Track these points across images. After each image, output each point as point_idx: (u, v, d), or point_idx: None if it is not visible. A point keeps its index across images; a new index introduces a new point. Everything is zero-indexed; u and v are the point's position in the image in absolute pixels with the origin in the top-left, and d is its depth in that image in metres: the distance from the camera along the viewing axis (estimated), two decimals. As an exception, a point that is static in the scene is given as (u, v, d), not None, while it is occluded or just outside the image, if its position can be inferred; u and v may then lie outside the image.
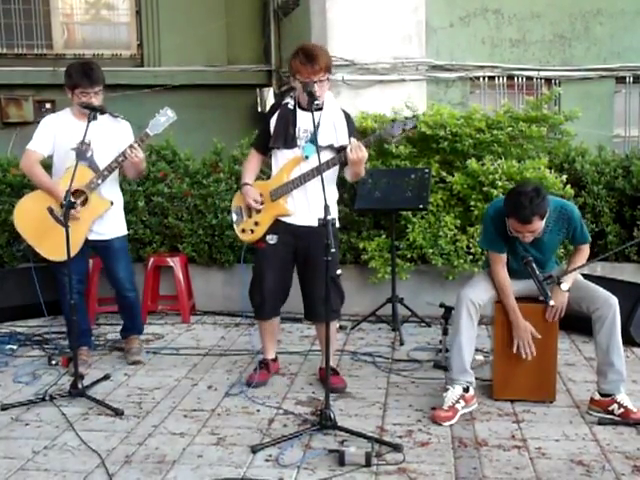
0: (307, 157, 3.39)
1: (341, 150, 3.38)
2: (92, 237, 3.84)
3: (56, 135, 3.75)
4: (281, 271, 3.54)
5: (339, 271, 3.49)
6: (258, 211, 3.50)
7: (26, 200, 3.88)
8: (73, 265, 3.76)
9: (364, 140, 3.38)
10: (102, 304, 4.95)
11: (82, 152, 3.72)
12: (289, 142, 3.41)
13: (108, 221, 3.86)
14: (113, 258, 3.94)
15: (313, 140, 3.31)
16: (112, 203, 3.82)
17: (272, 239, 3.48)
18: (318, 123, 3.32)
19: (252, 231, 3.53)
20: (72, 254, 3.66)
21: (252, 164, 3.60)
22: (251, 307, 3.68)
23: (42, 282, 4.79)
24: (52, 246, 3.51)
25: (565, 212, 3.25)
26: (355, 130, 3.55)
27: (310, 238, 3.40)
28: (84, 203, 3.73)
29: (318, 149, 3.15)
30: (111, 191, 3.87)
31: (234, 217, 3.62)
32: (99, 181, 3.72)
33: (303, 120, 3.41)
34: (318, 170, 3.27)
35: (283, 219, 3.47)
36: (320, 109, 3.36)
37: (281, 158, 3.47)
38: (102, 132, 3.78)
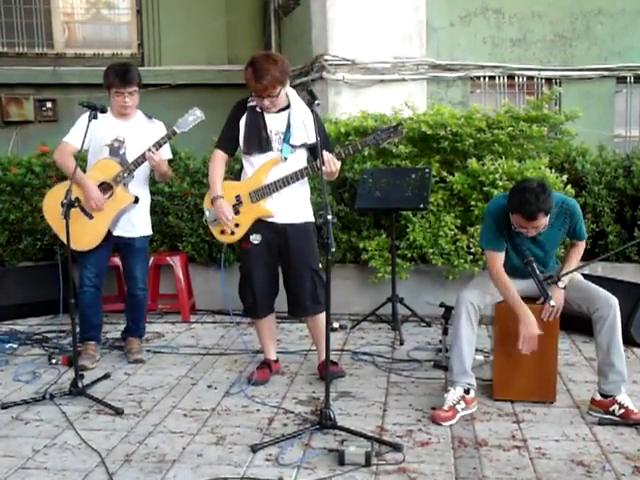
0: (286, 158, 3.42)
1: (312, 148, 3.41)
2: (117, 233, 3.89)
3: (92, 131, 3.78)
4: (269, 269, 3.57)
5: (320, 265, 3.58)
6: (237, 212, 3.50)
7: (55, 190, 3.94)
8: (93, 258, 3.88)
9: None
10: (103, 303, 4.93)
11: (115, 149, 3.85)
12: (264, 147, 3.42)
13: (134, 219, 3.92)
14: (133, 257, 3.99)
15: (289, 141, 3.40)
16: (137, 199, 3.86)
17: (256, 239, 3.50)
18: (289, 123, 3.40)
19: (232, 233, 3.53)
20: (92, 245, 3.83)
21: (220, 168, 3.55)
22: (242, 307, 3.69)
23: (44, 281, 4.82)
24: (74, 236, 3.53)
25: (567, 207, 3.25)
26: (322, 125, 3.56)
27: (292, 235, 3.47)
28: (110, 196, 3.80)
29: (320, 150, 3.15)
30: (139, 190, 3.92)
31: (209, 217, 3.59)
32: (125, 175, 3.79)
33: (272, 122, 3.44)
34: (299, 173, 3.37)
35: (264, 218, 3.49)
36: (287, 107, 3.42)
37: (256, 161, 3.47)
38: (136, 131, 3.88)
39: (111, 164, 3.81)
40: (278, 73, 3.29)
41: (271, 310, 3.69)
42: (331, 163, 3.32)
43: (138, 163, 3.78)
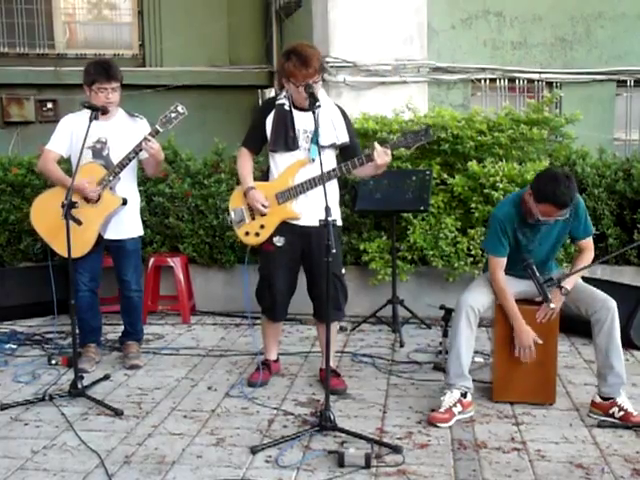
0: (314, 159, 3.35)
1: (342, 148, 3.41)
2: (108, 236, 3.85)
3: (73, 134, 3.77)
4: (289, 272, 3.51)
5: (343, 270, 3.54)
6: (263, 214, 3.44)
7: (42, 197, 3.92)
8: (86, 263, 3.82)
9: (389, 143, 3.38)
10: (103, 304, 4.93)
11: (98, 151, 3.77)
12: (290, 145, 3.38)
13: (124, 221, 3.87)
14: (124, 259, 3.94)
15: (317, 141, 3.31)
16: (125, 201, 3.80)
17: (279, 241, 3.43)
18: (317, 123, 3.29)
19: (257, 234, 3.45)
20: (85, 251, 3.75)
21: (247, 164, 3.53)
22: (259, 308, 3.65)
23: (44, 281, 4.81)
24: (65, 243, 3.51)
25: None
26: (351, 124, 3.55)
27: (316, 238, 3.38)
28: (97, 200, 3.75)
29: (320, 151, 3.15)
30: (128, 191, 3.87)
31: (234, 218, 3.52)
32: (111, 178, 3.73)
33: (301, 121, 3.39)
34: (327, 175, 3.29)
35: (289, 221, 3.44)
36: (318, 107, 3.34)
37: (281, 160, 3.43)
38: (119, 131, 3.82)
39: (95, 168, 3.73)
40: (320, 57, 3.35)
41: (286, 314, 3.66)
42: (382, 155, 3.24)
43: (123, 165, 3.71)
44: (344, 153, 3.44)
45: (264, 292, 3.56)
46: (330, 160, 3.42)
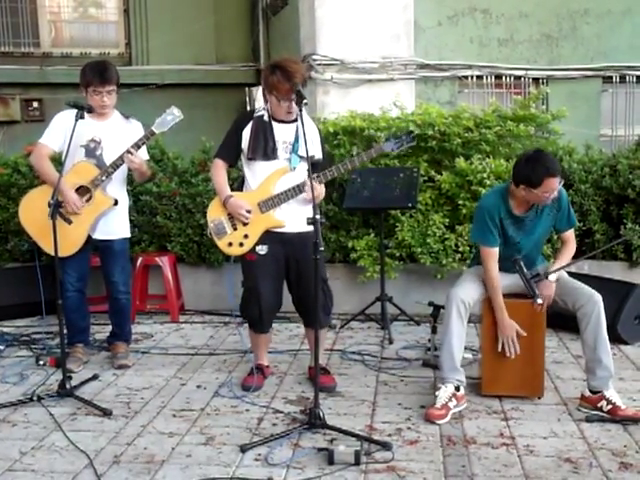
0: (294, 168, 3.37)
1: (313, 164, 3.37)
2: (96, 236, 3.83)
3: (67, 131, 3.72)
4: (275, 281, 3.47)
5: (327, 274, 3.54)
6: (245, 222, 3.40)
7: (32, 194, 3.89)
8: (73, 263, 3.79)
9: (372, 149, 3.49)
10: (91, 304, 4.90)
11: (91, 150, 3.76)
12: (270, 154, 3.36)
13: (112, 222, 3.85)
14: (112, 260, 3.92)
15: (297, 151, 3.34)
16: (116, 202, 3.79)
17: (262, 249, 3.39)
18: (297, 135, 3.34)
19: (241, 244, 3.40)
20: (73, 251, 3.73)
21: (223, 175, 3.48)
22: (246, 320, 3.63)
23: (31, 282, 4.78)
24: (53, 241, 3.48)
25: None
26: (323, 141, 3.58)
27: (299, 243, 3.38)
28: (88, 200, 3.73)
29: (308, 158, 3.13)
30: (117, 192, 3.86)
31: (213, 229, 3.44)
32: (103, 178, 3.71)
33: (280, 132, 3.39)
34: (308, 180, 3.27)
35: (273, 229, 3.41)
36: (296, 120, 3.35)
37: (259, 170, 3.40)
38: (113, 132, 3.80)
39: (88, 167, 3.72)
40: (304, 72, 3.37)
41: (272, 325, 3.63)
42: (309, 190, 3.16)
43: (117, 165, 3.69)
44: (315, 169, 3.41)
45: (250, 304, 3.49)
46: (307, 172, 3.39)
